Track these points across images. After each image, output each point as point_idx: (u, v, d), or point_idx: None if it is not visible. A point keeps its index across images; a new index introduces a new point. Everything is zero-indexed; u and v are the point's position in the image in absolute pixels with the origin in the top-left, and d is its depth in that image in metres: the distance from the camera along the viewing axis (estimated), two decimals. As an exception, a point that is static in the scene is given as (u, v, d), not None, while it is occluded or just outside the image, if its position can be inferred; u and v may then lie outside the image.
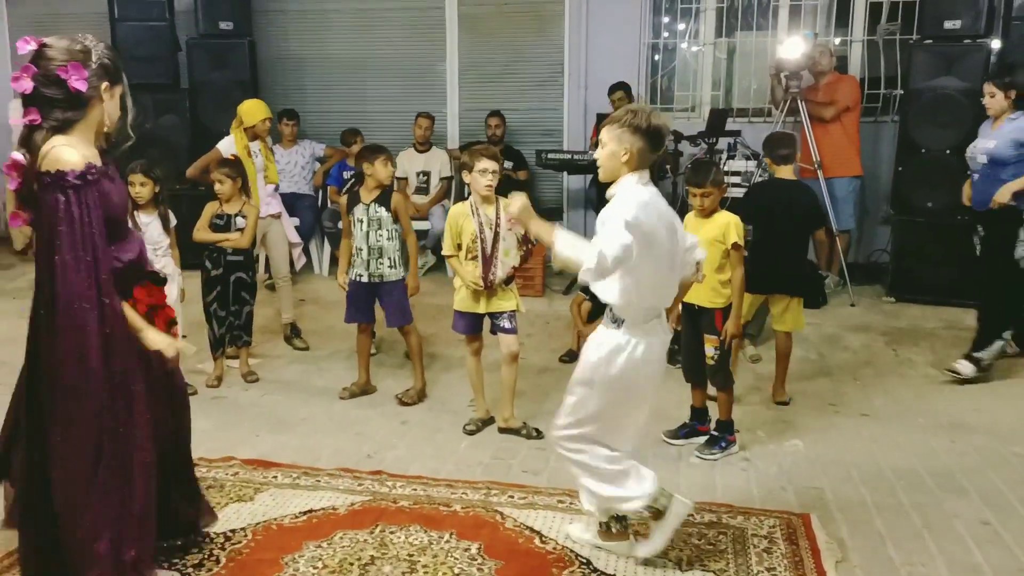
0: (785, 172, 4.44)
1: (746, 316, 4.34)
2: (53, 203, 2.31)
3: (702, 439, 3.86)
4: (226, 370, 4.80)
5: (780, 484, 3.51)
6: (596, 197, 6.70)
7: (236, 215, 4.65)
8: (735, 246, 3.76)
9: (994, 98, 4.75)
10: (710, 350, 3.80)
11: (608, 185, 2.75)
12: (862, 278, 6.32)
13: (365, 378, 4.60)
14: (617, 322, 2.76)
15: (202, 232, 4.65)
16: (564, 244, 2.59)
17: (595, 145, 6.57)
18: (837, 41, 6.93)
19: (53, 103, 2.36)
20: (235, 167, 4.77)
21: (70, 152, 2.32)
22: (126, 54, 6.79)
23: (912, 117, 6.15)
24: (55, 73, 2.34)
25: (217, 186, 4.65)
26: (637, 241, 2.55)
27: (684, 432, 3.93)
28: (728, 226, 3.77)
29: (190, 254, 4.81)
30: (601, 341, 2.79)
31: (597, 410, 2.80)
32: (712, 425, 3.89)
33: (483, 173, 3.91)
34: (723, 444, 3.78)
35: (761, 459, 3.75)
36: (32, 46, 2.37)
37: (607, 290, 2.73)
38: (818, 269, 6.29)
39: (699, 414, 3.95)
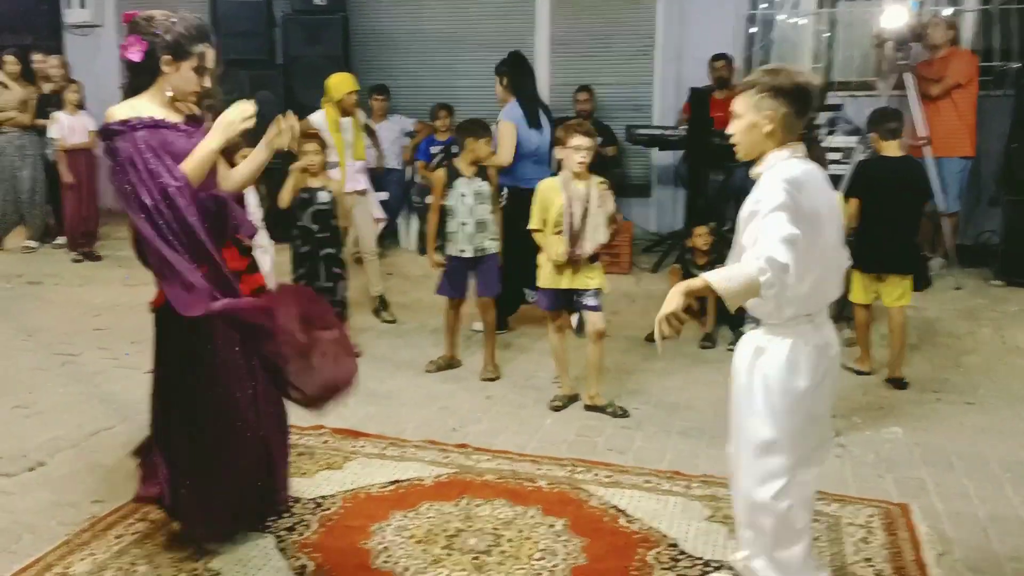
0: (893, 148, 4.36)
1: (864, 298, 4.32)
2: (107, 151, 2.57)
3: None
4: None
5: (877, 472, 3.37)
6: (687, 174, 6.56)
7: (319, 189, 4.69)
8: None
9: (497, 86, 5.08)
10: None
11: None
12: (969, 261, 6.02)
13: (451, 352, 4.63)
14: (754, 321, 2.31)
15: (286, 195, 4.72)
16: (719, 277, 2.06)
17: (687, 121, 6.50)
18: (949, 11, 6.56)
19: (127, 68, 2.63)
20: (321, 140, 4.80)
21: (120, 108, 2.57)
22: (224, 30, 6.95)
23: (1029, 91, 5.80)
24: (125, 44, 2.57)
25: (311, 157, 4.66)
26: (797, 215, 2.10)
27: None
28: None
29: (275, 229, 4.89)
30: (742, 347, 2.31)
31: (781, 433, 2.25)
32: None
33: (577, 150, 3.86)
34: None
35: (857, 446, 3.62)
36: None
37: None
38: (922, 251, 6.01)
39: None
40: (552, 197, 3.96)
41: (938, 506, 3.10)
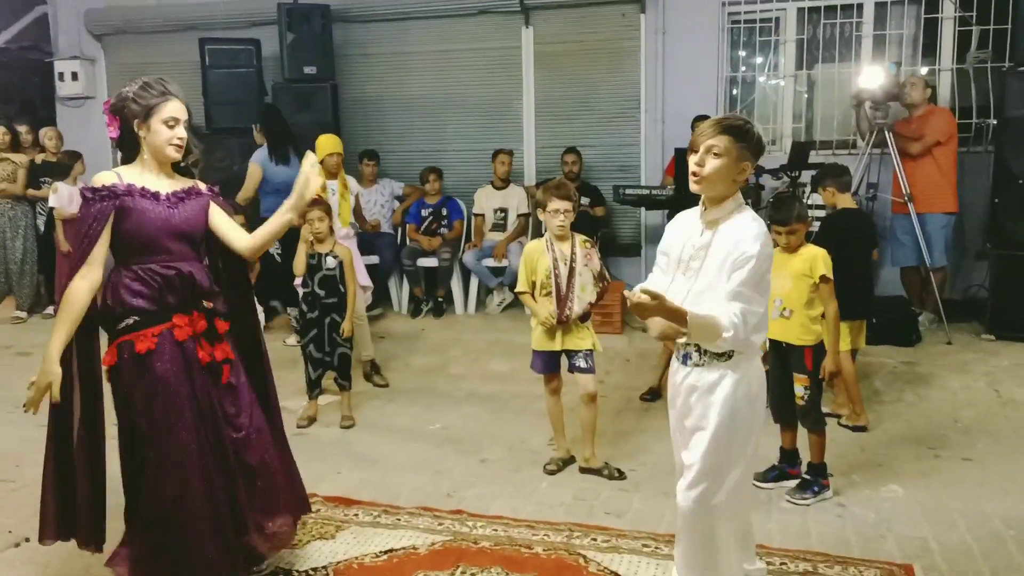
0: (848, 200, 4.61)
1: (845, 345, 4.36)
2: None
3: (793, 482, 3.71)
4: (319, 410, 4.82)
5: (879, 532, 3.33)
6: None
7: (327, 255, 4.67)
8: (824, 279, 3.65)
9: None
10: (800, 389, 3.66)
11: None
12: (959, 315, 6.03)
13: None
14: (725, 355, 2.45)
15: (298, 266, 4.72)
16: (695, 316, 2.32)
17: (670, 181, 6.57)
18: (924, 71, 6.73)
19: (115, 147, 2.80)
20: (327, 206, 4.79)
21: (103, 174, 2.68)
22: (215, 99, 7.07)
23: (1008, 147, 5.88)
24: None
25: (316, 224, 4.57)
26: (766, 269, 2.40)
27: (774, 475, 3.78)
28: (815, 259, 3.68)
29: (274, 292, 4.88)
30: (715, 383, 2.46)
31: (734, 465, 2.50)
32: (803, 468, 3.73)
33: (555, 213, 3.88)
34: (816, 488, 3.62)
35: (857, 505, 3.58)
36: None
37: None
38: (911, 306, 6.04)
39: (789, 456, 3.80)
40: (538, 258, 3.97)
41: (942, 566, 3.05)
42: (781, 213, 3.72)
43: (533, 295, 4.00)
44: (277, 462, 2.95)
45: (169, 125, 2.67)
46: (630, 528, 3.37)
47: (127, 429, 2.71)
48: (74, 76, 8.31)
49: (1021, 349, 5.52)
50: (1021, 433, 4.38)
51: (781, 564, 3.05)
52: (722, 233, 2.41)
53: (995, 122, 6.31)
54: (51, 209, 6.99)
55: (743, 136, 2.37)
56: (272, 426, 3.01)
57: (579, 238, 3.99)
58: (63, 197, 6.90)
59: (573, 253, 3.94)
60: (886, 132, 6.00)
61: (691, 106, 6.83)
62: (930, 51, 6.75)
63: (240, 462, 2.82)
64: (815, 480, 3.64)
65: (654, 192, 6.66)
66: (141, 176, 2.70)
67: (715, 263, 2.40)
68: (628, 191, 6.66)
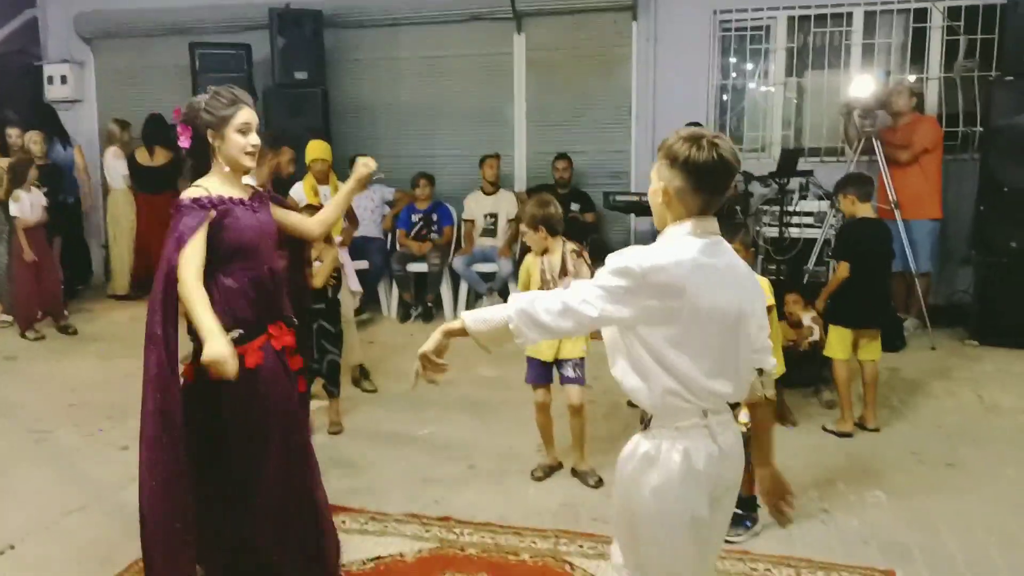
0: (867, 209, 4.59)
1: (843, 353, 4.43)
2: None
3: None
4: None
5: (862, 538, 3.36)
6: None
7: (315, 260, 4.66)
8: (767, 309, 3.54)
9: None
10: (744, 416, 3.59)
11: None
12: (943, 321, 6.09)
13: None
14: (644, 422, 2.00)
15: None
16: (474, 319, 1.97)
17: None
18: (912, 79, 6.78)
19: (186, 156, 2.79)
20: (317, 211, 4.77)
21: (192, 189, 2.66)
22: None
23: (993, 155, 5.95)
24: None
25: None
26: (636, 292, 1.88)
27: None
28: None
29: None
30: (628, 453, 2.01)
31: (645, 560, 2.01)
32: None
33: (524, 234, 4.02)
34: (748, 523, 3.44)
35: (841, 512, 3.60)
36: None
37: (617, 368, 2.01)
38: (895, 312, 6.09)
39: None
40: (532, 271, 4.03)
41: (924, 572, 3.09)
42: (727, 232, 3.61)
43: None
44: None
45: (242, 132, 2.67)
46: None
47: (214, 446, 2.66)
48: (63, 79, 8.31)
49: (1004, 355, 5.57)
50: (1004, 439, 4.42)
51: (766, 570, 3.08)
52: None
53: (981, 130, 6.37)
54: (14, 219, 6.69)
55: (659, 151, 1.98)
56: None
57: (569, 247, 4.01)
58: (24, 205, 6.66)
59: (564, 264, 3.96)
60: (873, 140, 6.06)
61: (682, 113, 6.86)
62: (918, 60, 6.81)
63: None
64: (747, 515, 3.42)
65: (644, 198, 6.67)
66: (221, 187, 2.68)
67: None
68: (618, 197, 6.70)
